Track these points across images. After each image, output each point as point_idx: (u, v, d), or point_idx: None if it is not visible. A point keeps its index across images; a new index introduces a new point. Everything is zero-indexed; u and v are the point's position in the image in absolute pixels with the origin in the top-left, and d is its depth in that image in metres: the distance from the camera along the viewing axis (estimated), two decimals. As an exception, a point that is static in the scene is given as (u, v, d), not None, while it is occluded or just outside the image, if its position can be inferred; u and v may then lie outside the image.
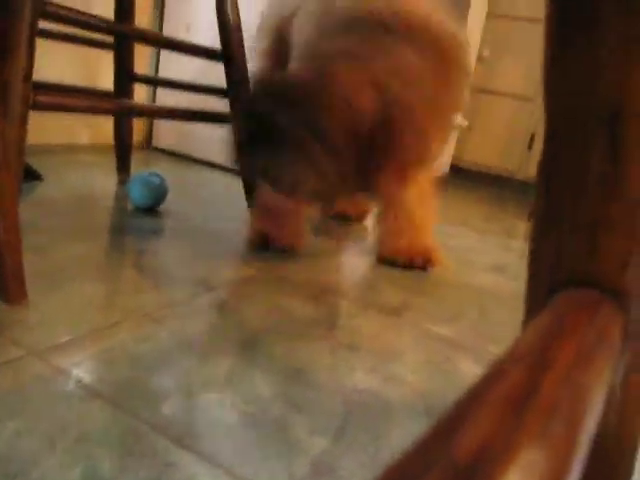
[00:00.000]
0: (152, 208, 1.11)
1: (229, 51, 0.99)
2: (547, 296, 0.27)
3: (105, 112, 0.86)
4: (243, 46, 1.01)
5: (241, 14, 1.04)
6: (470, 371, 0.66)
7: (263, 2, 1.25)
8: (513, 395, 0.15)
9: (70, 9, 0.72)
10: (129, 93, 1.28)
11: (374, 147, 0.86)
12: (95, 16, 0.78)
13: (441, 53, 0.89)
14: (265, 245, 0.99)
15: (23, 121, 0.62)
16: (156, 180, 1.10)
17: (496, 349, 0.74)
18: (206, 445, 0.45)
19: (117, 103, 0.98)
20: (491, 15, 2.73)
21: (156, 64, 1.89)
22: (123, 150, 1.34)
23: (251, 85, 0.86)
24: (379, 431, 0.51)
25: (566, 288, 0.26)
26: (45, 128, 1.56)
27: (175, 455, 0.43)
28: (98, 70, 1.69)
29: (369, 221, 1.38)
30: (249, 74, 1.03)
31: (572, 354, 0.18)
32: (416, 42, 0.86)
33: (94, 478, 0.39)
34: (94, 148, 1.72)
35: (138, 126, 1.88)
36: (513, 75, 2.83)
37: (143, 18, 1.80)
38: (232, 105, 1.03)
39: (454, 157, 2.78)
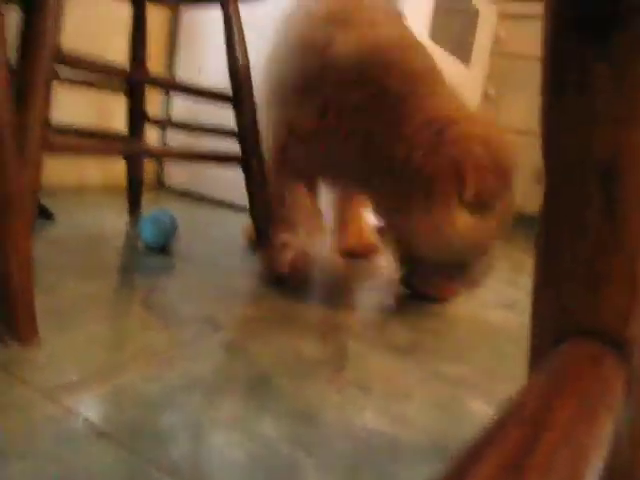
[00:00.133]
0: (162, 246, 1.13)
1: (239, 96, 1.02)
2: (550, 347, 0.27)
3: (118, 155, 0.88)
4: (252, 90, 1.03)
5: (251, 58, 1.07)
6: (480, 411, 0.66)
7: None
8: (512, 454, 0.15)
9: (86, 57, 0.74)
10: (141, 134, 1.31)
11: None
12: (110, 63, 0.81)
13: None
14: (280, 281, 1.00)
15: (38, 163, 0.64)
16: (166, 219, 1.12)
17: (507, 388, 0.73)
18: (213, 487, 0.44)
19: (130, 146, 1.00)
20: (495, 54, 2.78)
21: (167, 105, 1.94)
22: (134, 190, 1.36)
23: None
24: (388, 472, 0.50)
25: (569, 339, 0.27)
26: (57, 168, 1.59)
27: (182, 498, 0.42)
28: (111, 112, 1.74)
29: (377, 258, 1.39)
30: (257, 117, 1.05)
31: (572, 411, 0.18)
32: None
33: (101, 521, 0.39)
34: (105, 188, 1.75)
35: (149, 166, 1.92)
36: (518, 111, 2.86)
37: (156, 59, 1.86)
38: (241, 146, 1.05)
39: (461, 193, 2.79)
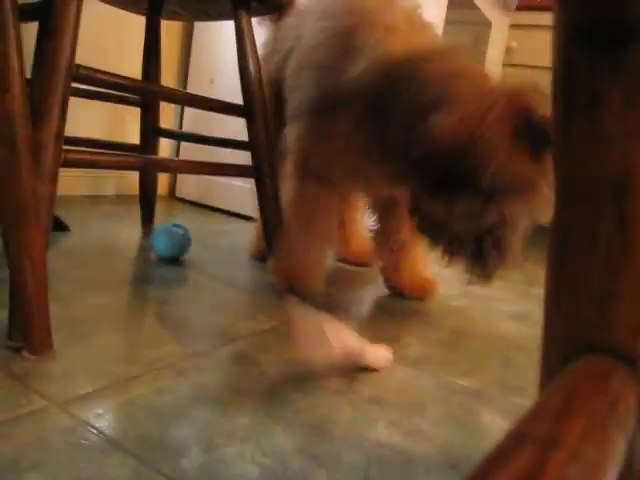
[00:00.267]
0: (175, 258, 1.13)
1: (251, 108, 1.03)
2: (561, 362, 0.27)
3: (132, 168, 0.89)
4: (265, 102, 1.04)
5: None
6: (493, 423, 0.65)
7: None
8: (521, 474, 0.15)
9: (101, 72, 0.76)
10: (155, 147, 1.33)
11: None
12: (124, 78, 0.82)
13: None
14: (290, 289, 1.00)
15: (54, 178, 0.65)
16: (179, 231, 1.13)
17: (520, 400, 0.73)
18: (225, 500, 0.44)
19: (144, 159, 1.02)
20: (507, 64, 2.78)
21: (180, 118, 1.96)
22: (148, 202, 1.38)
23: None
24: (401, 487, 0.50)
25: (581, 355, 0.27)
26: (72, 180, 1.61)
27: (194, 511, 0.43)
28: (125, 125, 1.76)
29: (374, 265, 1.37)
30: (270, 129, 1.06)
31: (582, 428, 0.18)
32: None
33: (114, 534, 0.39)
34: (119, 199, 1.77)
35: (162, 177, 1.94)
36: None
37: (169, 72, 1.88)
38: (253, 158, 1.05)
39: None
